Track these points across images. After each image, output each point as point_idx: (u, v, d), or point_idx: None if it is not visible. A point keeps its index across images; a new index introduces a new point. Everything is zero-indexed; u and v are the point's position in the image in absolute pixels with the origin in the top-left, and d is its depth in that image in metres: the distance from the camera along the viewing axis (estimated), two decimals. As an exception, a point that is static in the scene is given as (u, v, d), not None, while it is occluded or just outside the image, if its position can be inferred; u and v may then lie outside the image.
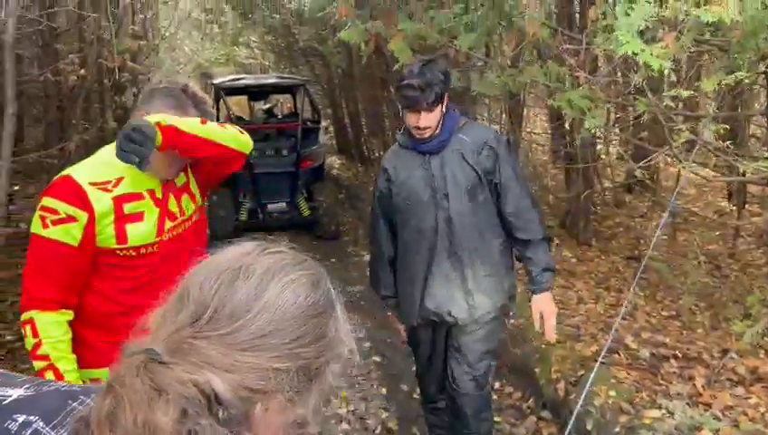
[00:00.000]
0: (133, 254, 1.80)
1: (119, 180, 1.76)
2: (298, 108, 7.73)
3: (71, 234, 1.70)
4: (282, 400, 0.67)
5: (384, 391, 4.01)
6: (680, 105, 2.84)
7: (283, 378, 0.66)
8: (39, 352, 1.74)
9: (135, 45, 7.23)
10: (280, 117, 8.35)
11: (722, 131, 3.54)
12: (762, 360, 3.39)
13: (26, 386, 0.70)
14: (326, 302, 0.72)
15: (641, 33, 2.19)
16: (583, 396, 1.91)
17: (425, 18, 3.54)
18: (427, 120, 2.22)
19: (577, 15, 4.74)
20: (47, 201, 1.71)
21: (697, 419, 2.87)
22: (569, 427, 1.88)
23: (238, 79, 8.72)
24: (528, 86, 3.29)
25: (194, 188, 2.00)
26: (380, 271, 2.75)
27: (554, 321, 2.49)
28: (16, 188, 6.12)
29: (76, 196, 1.70)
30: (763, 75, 2.99)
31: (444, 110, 2.35)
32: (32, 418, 0.64)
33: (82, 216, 1.70)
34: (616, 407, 3.13)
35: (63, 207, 1.69)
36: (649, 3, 2.26)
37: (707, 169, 4.08)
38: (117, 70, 6.61)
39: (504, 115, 6.48)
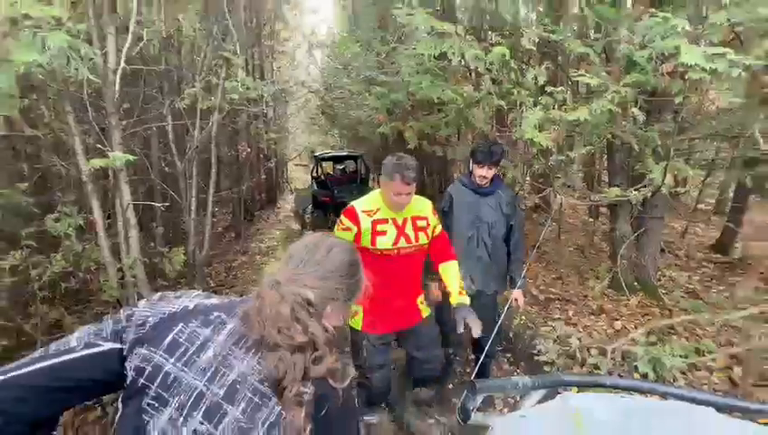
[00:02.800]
0: (382, 251, 1.79)
1: (377, 210, 1.80)
2: (358, 167, 8.03)
3: (347, 237, 1.77)
4: (339, 304, 0.80)
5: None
6: (561, 165, 2.87)
7: (340, 293, 0.80)
8: None
9: (275, 137, 7.82)
10: (348, 172, 8.54)
11: (584, 178, 3.80)
12: (605, 301, 3.48)
13: (219, 298, 0.80)
14: (358, 262, 0.87)
15: (537, 126, 2.31)
16: (502, 317, 1.89)
17: (422, 120, 3.65)
18: (489, 174, 2.08)
19: (505, 117, 4.81)
20: (341, 217, 1.81)
21: (569, 331, 3.01)
22: (492, 335, 1.75)
23: (328, 153, 9.10)
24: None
25: (430, 234, 1.88)
26: None
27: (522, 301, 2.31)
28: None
29: (354, 216, 1.78)
30: (603, 148, 3.20)
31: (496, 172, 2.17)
32: (221, 314, 0.74)
33: (354, 228, 1.77)
34: (524, 325, 3.27)
35: (346, 222, 1.78)
36: (540, 111, 2.38)
37: (575, 198, 4.32)
38: (266, 149, 7.23)
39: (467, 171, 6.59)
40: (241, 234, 6.65)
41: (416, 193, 1.80)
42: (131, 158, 2.31)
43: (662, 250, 4.16)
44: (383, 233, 1.80)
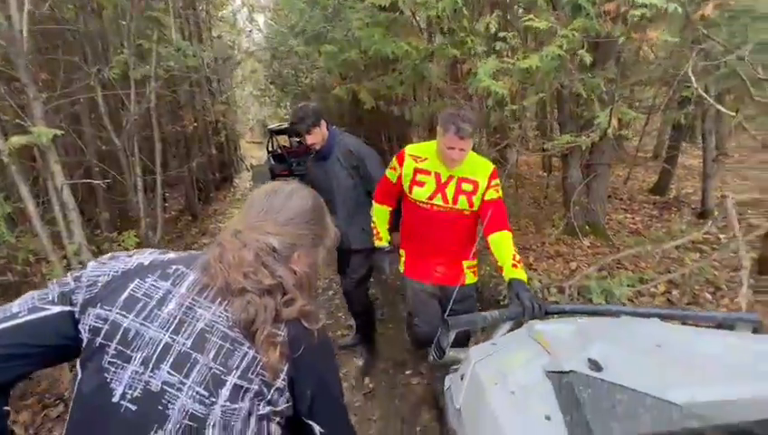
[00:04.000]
0: (416, 202, 1.78)
1: (425, 159, 1.75)
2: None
3: (392, 177, 1.84)
4: (306, 249, 0.78)
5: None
6: (516, 114, 2.90)
7: (305, 238, 0.78)
8: (373, 217, 1.99)
9: (223, 109, 7.25)
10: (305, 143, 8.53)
11: (537, 129, 3.93)
12: (561, 246, 3.67)
13: (176, 253, 0.77)
14: (321, 206, 0.84)
15: (492, 76, 2.33)
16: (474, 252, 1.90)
17: (377, 80, 3.52)
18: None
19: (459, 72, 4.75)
20: (393, 158, 1.83)
21: (530, 275, 3.06)
22: (459, 283, 1.76)
23: (282, 125, 8.66)
24: (436, 111, 3.48)
25: (476, 201, 1.75)
26: None
27: None
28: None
29: (401, 158, 1.79)
30: (554, 98, 3.29)
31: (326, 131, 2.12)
32: (180, 266, 0.71)
33: (398, 169, 1.79)
34: (489, 275, 3.28)
35: (394, 162, 1.82)
36: (494, 60, 2.40)
37: (530, 150, 4.43)
38: (215, 122, 6.70)
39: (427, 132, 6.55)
40: (197, 215, 6.34)
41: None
42: (58, 132, 2.08)
43: (609, 196, 4.45)
44: (421, 184, 1.75)
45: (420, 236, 1.88)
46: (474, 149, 1.78)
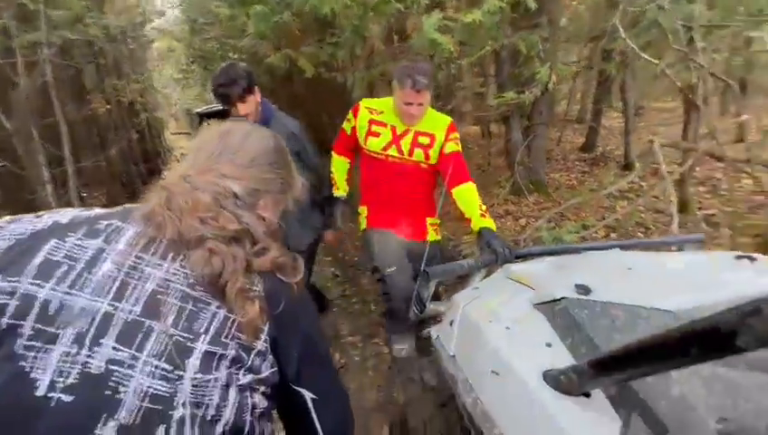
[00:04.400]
0: (372, 153, 1.74)
1: (381, 112, 1.72)
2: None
3: (347, 129, 1.78)
4: (273, 198, 0.67)
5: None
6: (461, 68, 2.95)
7: (271, 184, 0.66)
8: (332, 169, 1.89)
9: (139, 88, 6.36)
10: None
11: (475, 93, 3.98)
12: (508, 206, 3.82)
13: (104, 209, 0.63)
14: (285, 149, 0.72)
15: (437, 30, 2.25)
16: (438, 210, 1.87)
17: (315, 45, 3.28)
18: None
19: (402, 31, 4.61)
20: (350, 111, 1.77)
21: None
22: (423, 239, 1.81)
23: (212, 106, 8.05)
24: (378, 76, 3.39)
25: (432, 154, 1.71)
26: None
27: None
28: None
29: (356, 110, 1.74)
30: (493, 52, 3.27)
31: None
32: (112, 221, 0.57)
33: (352, 121, 1.75)
34: (446, 238, 3.31)
35: (349, 114, 1.76)
36: (438, 14, 2.31)
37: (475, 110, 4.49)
38: (130, 104, 5.89)
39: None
40: (123, 211, 5.67)
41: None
42: None
43: (546, 157, 4.70)
44: (377, 135, 1.71)
45: (379, 188, 1.83)
46: None
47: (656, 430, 0.53)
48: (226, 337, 0.52)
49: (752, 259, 1.05)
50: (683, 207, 3.32)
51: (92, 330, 0.49)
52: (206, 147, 0.65)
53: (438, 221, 1.95)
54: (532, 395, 0.67)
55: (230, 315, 0.53)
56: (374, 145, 1.72)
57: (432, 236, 1.90)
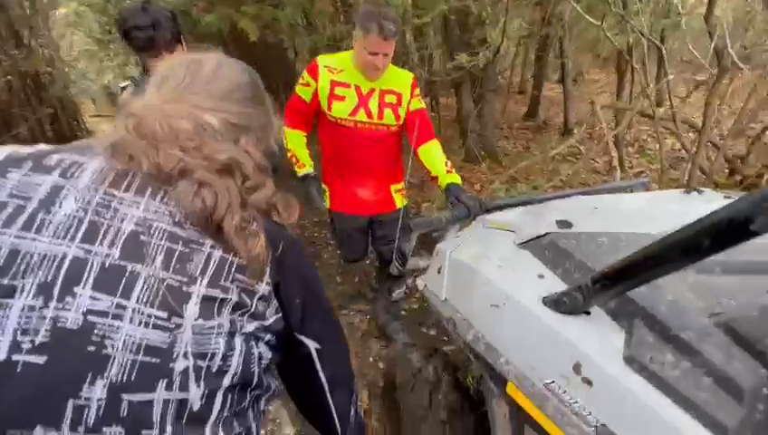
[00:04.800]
0: (338, 120, 1.59)
1: (341, 71, 1.54)
2: None
3: (305, 95, 1.58)
4: (254, 140, 0.59)
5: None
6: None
7: (251, 120, 0.59)
8: (288, 145, 1.68)
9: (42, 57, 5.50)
10: None
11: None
12: (463, 173, 3.72)
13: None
14: (259, 83, 0.64)
15: None
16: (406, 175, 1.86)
17: (256, 7, 2.96)
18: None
19: None
20: (303, 72, 1.58)
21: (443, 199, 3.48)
22: (390, 209, 1.83)
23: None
24: (326, 40, 3.23)
25: (401, 113, 1.63)
26: None
27: None
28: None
29: (314, 71, 1.55)
30: (443, 17, 3.27)
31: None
32: (66, 155, 0.47)
33: (313, 84, 1.55)
34: (408, 207, 3.66)
35: (306, 76, 1.56)
36: None
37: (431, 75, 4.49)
38: (35, 77, 5.17)
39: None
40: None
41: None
42: None
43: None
44: (341, 98, 1.56)
45: (343, 158, 1.73)
46: None
47: (659, 332, 0.56)
48: (226, 280, 0.46)
49: (699, 191, 1.16)
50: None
51: (60, 278, 0.40)
52: (174, 75, 0.56)
53: (402, 186, 1.91)
54: (535, 320, 0.69)
55: (227, 256, 0.47)
56: (340, 111, 1.57)
57: (399, 202, 1.87)
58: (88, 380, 0.38)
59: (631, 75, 3.39)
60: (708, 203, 1.07)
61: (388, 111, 1.62)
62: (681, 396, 0.50)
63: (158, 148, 0.47)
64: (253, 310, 0.48)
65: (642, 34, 2.33)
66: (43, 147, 0.49)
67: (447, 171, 1.60)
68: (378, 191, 1.81)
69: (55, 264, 0.40)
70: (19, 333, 0.38)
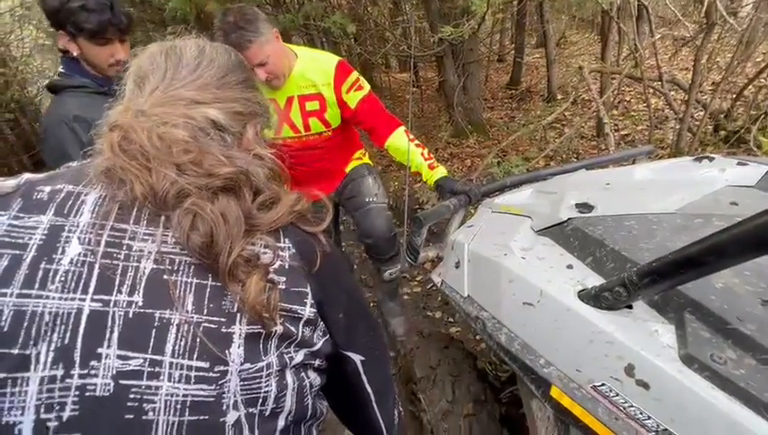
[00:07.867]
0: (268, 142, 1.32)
1: None
2: None
3: None
4: (261, 122, 0.54)
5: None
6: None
7: (255, 105, 0.53)
8: None
9: None
10: None
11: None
12: (451, 148, 3.91)
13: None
14: (246, 63, 0.57)
15: None
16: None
17: None
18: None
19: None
20: None
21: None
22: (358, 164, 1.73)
23: None
24: (301, 19, 3.04)
25: (331, 117, 1.42)
26: None
27: None
28: None
29: None
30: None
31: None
32: (60, 185, 0.40)
33: None
34: (400, 188, 3.46)
35: None
36: None
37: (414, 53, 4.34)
38: None
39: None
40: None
41: None
42: None
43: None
44: None
45: (297, 172, 1.56)
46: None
47: (714, 325, 0.53)
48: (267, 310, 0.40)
49: (710, 159, 1.13)
50: (602, 130, 3.62)
51: (79, 339, 0.34)
52: (154, 70, 0.47)
53: (362, 152, 1.72)
54: (573, 318, 0.65)
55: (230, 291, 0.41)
56: (265, 133, 1.42)
57: (356, 163, 1.68)
58: None
59: (618, 36, 3.32)
60: (723, 171, 1.03)
61: (313, 121, 1.42)
62: (750, 396, 0.47)
63: (149, 169, 0.39)
64: (299, 338, 0.43)
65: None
66: (28, 176, 0.42)
67: (430, 165, 1.41)
68: (335, 177, 1.67)
69: (71, 323, 0.34)
70: (42, 410, 0.32)
